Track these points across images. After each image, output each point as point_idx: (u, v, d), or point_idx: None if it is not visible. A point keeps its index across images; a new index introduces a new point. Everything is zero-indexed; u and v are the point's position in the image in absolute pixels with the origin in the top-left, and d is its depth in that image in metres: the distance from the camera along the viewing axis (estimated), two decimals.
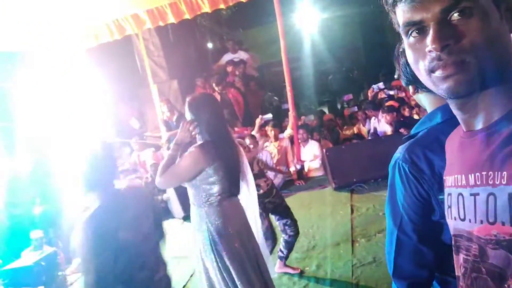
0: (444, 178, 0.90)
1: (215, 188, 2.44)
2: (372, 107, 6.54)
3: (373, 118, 6.61)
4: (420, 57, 0.74)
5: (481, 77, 0.70)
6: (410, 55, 0.77)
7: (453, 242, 0.85)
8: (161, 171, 2.38)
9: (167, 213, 6.22)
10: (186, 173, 2.38)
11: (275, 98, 8.65)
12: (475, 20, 0.68)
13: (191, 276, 4.24)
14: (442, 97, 1.24)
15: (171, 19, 5.83)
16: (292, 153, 6.47)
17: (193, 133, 2.41)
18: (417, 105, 6.32)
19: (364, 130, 6.90)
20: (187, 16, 5.75)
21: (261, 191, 3.52)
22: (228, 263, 2.46)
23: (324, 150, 5.88)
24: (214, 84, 7.44)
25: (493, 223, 0.71)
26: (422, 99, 1.38)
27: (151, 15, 5.84)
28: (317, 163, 6.38)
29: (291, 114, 6.50)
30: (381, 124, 6.42)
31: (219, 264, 2.47)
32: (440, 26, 0.70)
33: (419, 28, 0.73)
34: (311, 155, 6.45)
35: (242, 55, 8.56)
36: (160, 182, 2.42)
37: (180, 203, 5.86)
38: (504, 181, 0.68)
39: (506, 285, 0.70)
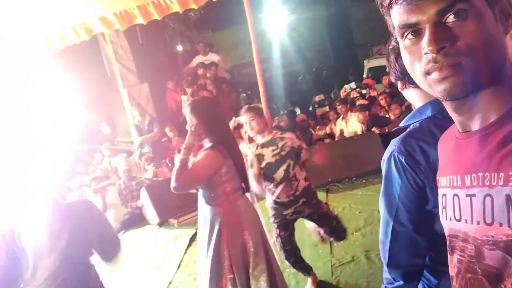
0: (437, 178, 0.90)
1: (229, 187, 2.53)
2: (345, 104, 6.58)
3: (341, 118, 6.65)
4: (415, 59, 0.74)
5: (477, 79, 0.70)
6: (405, 57, 0.77)
7: (447, 242, 0.85)
8: (176, 176, 2.39)
9: (142, 220, 6.11)
10: (204, 174, 2.44)
11: (249, 100, 8.65)
12: (470, 22, 0.69)
13: (169, 284, 4.17)
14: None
15: (140, 20, 5.72)
16: None
17: (202, 136, 2.49)
18: (389, 104, 6.44)
19: (336, 129, 6.97)
20: (156, 17, 5.66)
21: (279, 200, 3.21)
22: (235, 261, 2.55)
23: None
24: (185, 87, 7.34)
25: (490, 224, 0.71)
26: (411, 94, 1.41)
27: (119, 17, 5.71)
28: None
29: (265, 115, 6.48)
30: (350, 124, 6.47)
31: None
32: (435, 28, 0.70)
33: (415, 30, 0.73)
34: None
35: (213, 57, 8.50)
36: (177, 186, 2.40)
37: (155, 208, 5.77)
38: (501, 182, 0.68)
39: (502, 286, 0.70)
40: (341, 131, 6.50)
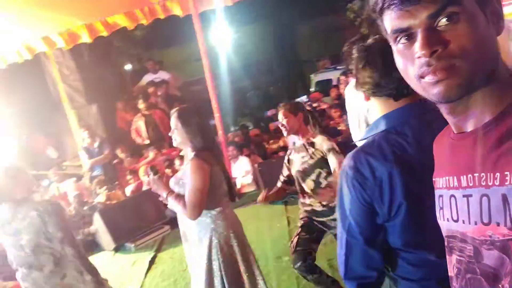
0: (433, 179, 0.91)
1: (219, 193, 2.46)
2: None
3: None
4: (409, 63, 0.75)
5: (471, 81, 0.70)
6: (399, 62, 0.78)
7: (445, 243, 0.86)
8: (186, 210, 2.35)
9: (96, 246, 5.84)
10: (206, 187, 2.35)
11: None
12: (462, 25, 0.69)
13: None
14: (388, 104, 1.32)
15: (85, 39, 5.58)
16: None
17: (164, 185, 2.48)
18: (339, 116, 6.64)
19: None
20: (104, 33, 5.55)
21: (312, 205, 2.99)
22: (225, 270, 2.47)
23: (255, 165, 5.93)
24: (138, 105, 7.20)
25: (487, 224, 0.71)
26: (372, 105, 1.38)
27: (64, 36, 5.53)
28: (249, 179, 6.41)
29: (219, 132, 6.48)
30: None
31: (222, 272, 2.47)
32: (427, 32, 0.70)
33: (407, 34, 0.74)
34: (242, 171, 6.47)
35: (163, 75, 8.41)
36: (194, 213, 2.34)
37: (110, 233, 5.54)
38: (497, 182, 0.69)
39: (500, 285, 0.70)
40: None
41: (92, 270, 2.67)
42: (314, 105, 7.50)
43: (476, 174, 0.73)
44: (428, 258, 1.26)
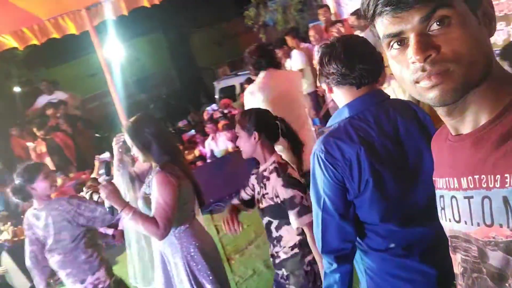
0: (434, 179, 0.93)
1: (187, 209, 2.30)
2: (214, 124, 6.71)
3: (210, 139, 6.80)
4: (403, 68, 0.75)
5: (466, 84, 0.71)
6: (393, 67, 0.77)
7: (449, 242, 0.88)
8: (150, 230, 2.10)
9: None
10: (174, 203, 2.14)
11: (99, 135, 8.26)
12: (454, 29, 0.69)
13: None
14: (350, 93, 1.48)
15: None
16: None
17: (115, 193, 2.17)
18: None
19: (205, 151, 7.06)
20: None
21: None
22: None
23: None
24: (35, 130, 6.62)
25: (490, 226, 0.72)
26: (336, 95, 1.54)
27: None
28: None
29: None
30: (220, 143, 6.64)
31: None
32: (420, 37, 0.70)
33: (400, 39, 0.74)
34: None
35: (60, 95, 7.82)
36: (162, 232, 2.10)
37: (23, 272, 5.02)
38: (497, 184, 0.69)
39: (507, 284, 0.71)
40: (212, 152, 6.62)
41: None
42: (225, 111, 7.58)
43: (476, 176, 0.74)
44: (392, 228, 1.45)
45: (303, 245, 2.11)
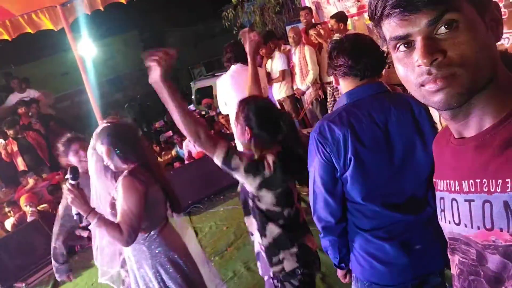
0: (434, 180, 0.93)
1: (156, 215, 2.21)
2: None
3: (187, 139, 6.76)
4: (409, 71, 0.74)
5: (471, 88, 0.71)
6: (399, 69, 0.77)
7: (448, 244, 0.89)
8: (115, 228, 2.00)
9: None
10: (140, 209, 2.04)
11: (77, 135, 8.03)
12: (462, 33, 0.69)
13: None
14: (352, 84, 1.63)
15: None
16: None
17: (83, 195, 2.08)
18: (227, 121, 6.77)
19: (182, 152, 7.00)
20: None
21: None
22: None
23: None
24: (5, 129, 6.39)
25: (490, 230, 0.72)
26: (341, 86, 1.71)
27: None
28: None
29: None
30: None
31: None
32: (427, 40, 0.70)
33: (407, 42, 0.73)
34: None
35: (32, 93, 7.60)
36: (127, 239, 2.00)
37: None
38: (499, 189, 0.70)
39: (503, 287, 0.72)
40: (189, 152, 6.56)
41: None
42: (203, 112, 7.54)
43: (478, 180, 0.74)
44: (376, 209, 1.59)
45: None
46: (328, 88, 5.30)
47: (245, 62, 3.38)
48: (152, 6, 19.29)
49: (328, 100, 5.34)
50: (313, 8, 6.36)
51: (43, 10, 5.09)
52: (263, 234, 1.95)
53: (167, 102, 1.76)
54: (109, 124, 2.24)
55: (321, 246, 1.80)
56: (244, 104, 1.95)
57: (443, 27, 0.69)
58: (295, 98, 5.97)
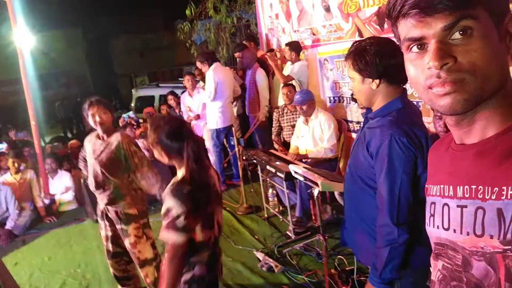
0: (426, 186, 0.94)
1: None
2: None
3: None
4: (419, 73, 0.75)
5: (478, 96, 0.72)
6: (409, 70, 0.78)
7: (433, 249, 0.89)
8: None
9: None
10: None
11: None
12: (475, 40, 0.70)
13: None
14: (397, 90, 1.70)
15: None
16: (39, 187, 5.65)
17: None
18: None
19: None
20: None
21: None
22: None
23: (81, 181, 5.39)
24: None
25: (480, 236, 0.72)
26: (381, 89, 1.71)
27: None
28: (70, 196, 5.78)
29: (35, 142, 5.72)
30: None
31: None
32: (440, 44, 0.71)
33: (420, 44, 0.74)
34: (62, 187, 5.80)
35: None
36: None
37: None
38: (494, 196, 0.70)
39: None
40: None
41: None
42: (140, 120, 7.30)
43: (473, 186, 0.75)
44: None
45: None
46: (275, 114, 5.37)
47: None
48: (102, 7, 18.73)
49: (273, 125, 5.40)
50: (269, 35, 6.51)
51: None
52: None
53: None
54: None
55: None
56: (156, 128, 1.95)
57: (457, 33, 0.70)
58: (245, 117, 6.05)
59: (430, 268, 0.91)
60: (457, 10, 0.70)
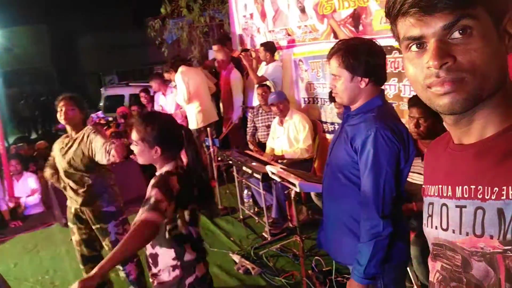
0: (424, 186, 0.93)
1: None
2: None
3: None
4: (417, 72, 0.75)
5: (477, 96, 0.72)
6: (408, 69, 0.77)
7: (430, 250, 0.89)
8: None
9: None
10: None
11: None
12: (475, 40, 0.70)
13: None
14: (377, 89, 1.75)
15: None
16: (3, 189, 5.41)
17: None
18: None
19: None
20: None
21: None
22: None
23: (50, 183, 5.19)
24: None
25: (480, 236, 0.72)
26: (367, 88, 1.73)
27: None
28: (36, 199, 5.56)
29: None
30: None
31: None
32: (440, 43, 0.71)
33: (420, 43, 0.74)
34: (27, 189, 5.57)
35: None
36: None
37: None
38: (494, 196, 0.70)
39: None
40: None
41: None
42: (110, 119, 7.11)
43: (472, 186, 0.75)
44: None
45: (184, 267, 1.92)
46: (249, 114, 5.33)
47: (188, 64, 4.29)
48: (67, 2, 18.18)
49: (248, 125, 5.36)
50: (243, 35, 6.47)
51: None
52: None
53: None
54: None
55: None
56: (148, 124, 1.92)
57: (457, 32, 0.70)
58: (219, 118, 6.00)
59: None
60: (457, 10, 0.70)
